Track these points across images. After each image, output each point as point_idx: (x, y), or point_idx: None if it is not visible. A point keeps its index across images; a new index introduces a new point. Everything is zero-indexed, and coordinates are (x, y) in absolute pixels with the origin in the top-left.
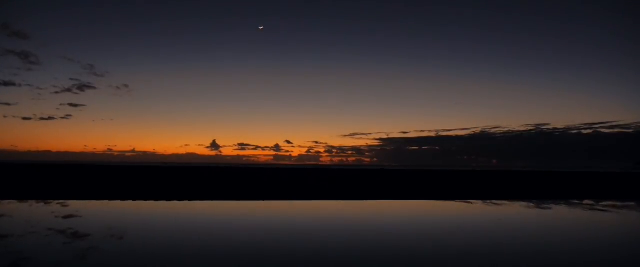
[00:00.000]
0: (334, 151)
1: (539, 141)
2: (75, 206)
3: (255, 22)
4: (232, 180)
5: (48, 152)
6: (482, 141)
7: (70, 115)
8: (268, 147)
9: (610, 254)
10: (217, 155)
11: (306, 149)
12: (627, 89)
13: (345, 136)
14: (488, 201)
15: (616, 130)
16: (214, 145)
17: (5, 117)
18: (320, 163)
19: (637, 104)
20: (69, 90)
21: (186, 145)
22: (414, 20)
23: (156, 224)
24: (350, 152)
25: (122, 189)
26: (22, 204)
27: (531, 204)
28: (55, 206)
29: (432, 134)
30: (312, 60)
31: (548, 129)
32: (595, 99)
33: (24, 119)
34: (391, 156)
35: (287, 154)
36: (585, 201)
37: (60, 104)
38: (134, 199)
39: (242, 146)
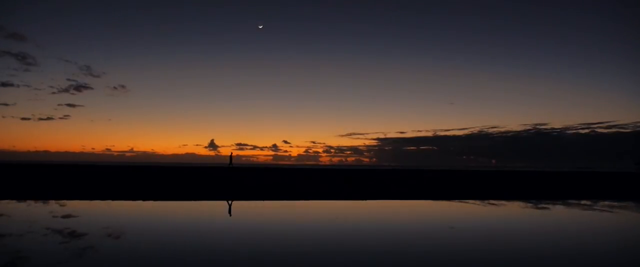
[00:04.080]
0: (332, 150)
1: (537, 140)
2: (74, 205)
3: (253, 22)
4: (231, 179)
5: (47, 152)
6: (480, 141)
7: (68, 116)
8: (266, 147)
9: (608, 254)
10: (216, 155)
11: (304, 149)
12: (625, 88)
13: (342, 135)
14: (486, 201)
15: (614, 130)
16: (212, 145)
17: (3, 117)
18: (319, 163)
19: (635, 104)
20: (66, 90)
21: (184, 145)
22: (409, 21)
23: (155, 224)
24: (348, 152)
25: (121, 188)
26: (21, 203)
27: (529, 204)
28: (54, 206)
29: (430, 134)
30: (310, 61)
31: (546, 129)
32: (593, 98)
33: (23, 119)
34: (389, 156)
35: (286, 154)
36: (583, 201)
37: (58, 105)
38: (133, 199)
39: (241, 146)
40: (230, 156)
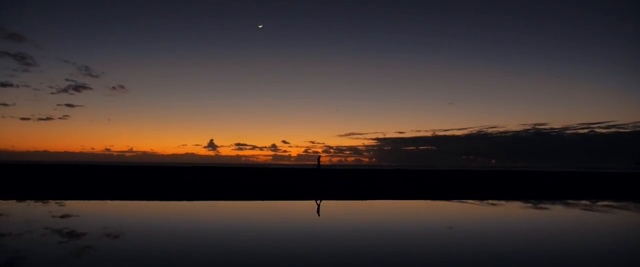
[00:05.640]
0: (332, 150)
1: (536, 140)
2: (74, 205)
3: (252, 22)
4: (231, 180)
5: (46, 152)
6: (479, 141)
7: (67, 116)
8: (265, 147)
9: (608, 254)
10: (215, 155)
11: (303, 149)
12: (624, 88)
13: (341, 135)
14: (485, 201)
15: (613, 130)
16: (211, 145)
17: (3, 117)
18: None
19: (634, 104)
20: (65, 91)
21: (183, 145)
22: (408, 20)
23: (154, 224)
24: (347, 152)
25: (120, 188)
26: (21, 203)
27: (528, 204)
28: (53, 206)
29: (429, 134)
30: (309, 61)
31: (545, 128)
32: (593, 98)
33: (22, 119)
34: (389, 156)
35: (286, 154)
36: (583, 201)
37: (57, 105)
38: (133, 199)
39: (240, 146)
40: (318, 158)
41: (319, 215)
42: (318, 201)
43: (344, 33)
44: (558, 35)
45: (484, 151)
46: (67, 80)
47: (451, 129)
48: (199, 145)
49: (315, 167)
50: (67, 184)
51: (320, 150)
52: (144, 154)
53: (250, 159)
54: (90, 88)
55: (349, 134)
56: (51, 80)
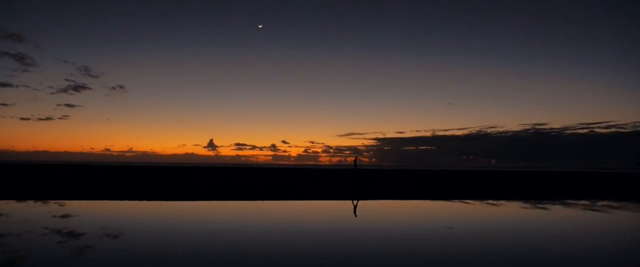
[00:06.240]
0: (331, 150)
1: (536, 140)
2: (73, 205)
3: (252, 22)
4: (231, 180)
5: (46, 152)
6: (479, 141)
7: (67, 116)
8: (265, 147)
9: (607, 254)
10: (215, 155)
11: (303, 149)
12: (623, 88)
13: (341, 135)
14: (484, 201)
15: (612, 130)
16: (211, 145)
17: (3, 117)
18: (319, 163)
19: (634, 104)
20: (64, 91)
21: (183, 145)
22: (408, 20)
23: (154, 224)
24: (347, 152)
25: (120, 188)
26: (21, 203)
27: (528, 204)
28: (53, 206)
29: (429, 134)
30: (308, 61)
31: (545, 128)
32: (592, 98)
33: (22, 119)
34: (389, 156)
35: (286, 154)
36: (582, 201)
37: (57, 105)
38: (133, 199)
39: (239, 146)
40: (355, 160)
41: (355, 215)
42: (354, 202)
43: (344, 33)
44: (558, 35)
45: (484, 151)
46: (66, 80)
47: (451, 129)
48: (198, 145)
49: (352, 169)
50: (67, 184)
51: (319, 150)
52: (144, 154)
53: (250, 159)
54: (89, 88)
55: (349, 134)
56: (51, 80)
